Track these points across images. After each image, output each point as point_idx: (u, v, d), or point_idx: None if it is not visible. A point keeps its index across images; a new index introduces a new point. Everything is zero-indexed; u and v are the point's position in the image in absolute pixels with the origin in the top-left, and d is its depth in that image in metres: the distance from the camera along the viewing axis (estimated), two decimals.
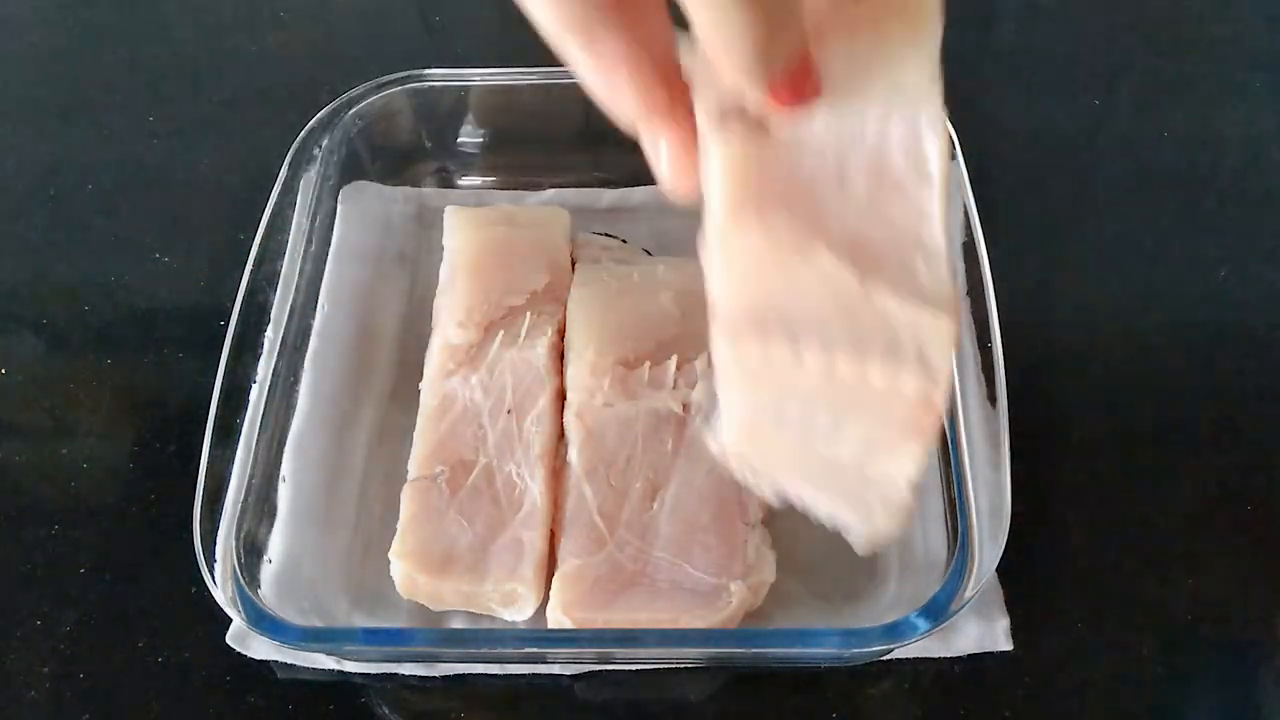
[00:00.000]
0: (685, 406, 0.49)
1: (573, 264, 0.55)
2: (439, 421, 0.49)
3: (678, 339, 0.51)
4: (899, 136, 0.32)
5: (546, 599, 0.45)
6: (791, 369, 0.33)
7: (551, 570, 0.46)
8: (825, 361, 0.33)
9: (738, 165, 0.32)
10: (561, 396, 0.50)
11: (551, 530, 0.47)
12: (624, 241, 0.57)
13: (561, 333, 0.53)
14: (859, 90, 0.31)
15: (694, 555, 0.45)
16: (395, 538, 0.46)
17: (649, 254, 0.56)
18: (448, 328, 0.52)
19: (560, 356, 0.52)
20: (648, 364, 0.50)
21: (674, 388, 0.49)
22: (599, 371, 0.49)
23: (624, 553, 0.45)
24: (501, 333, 0.52)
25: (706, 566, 0.45)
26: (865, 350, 0.33)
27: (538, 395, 0.50)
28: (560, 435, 0.49)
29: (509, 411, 0.49)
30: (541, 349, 0.51)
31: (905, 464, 0.35)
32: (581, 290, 0.53)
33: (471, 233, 0.55)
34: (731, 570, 0.45)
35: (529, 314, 0.53)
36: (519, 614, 0.46)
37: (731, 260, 0.33)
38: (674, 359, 0.50)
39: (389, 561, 0.46)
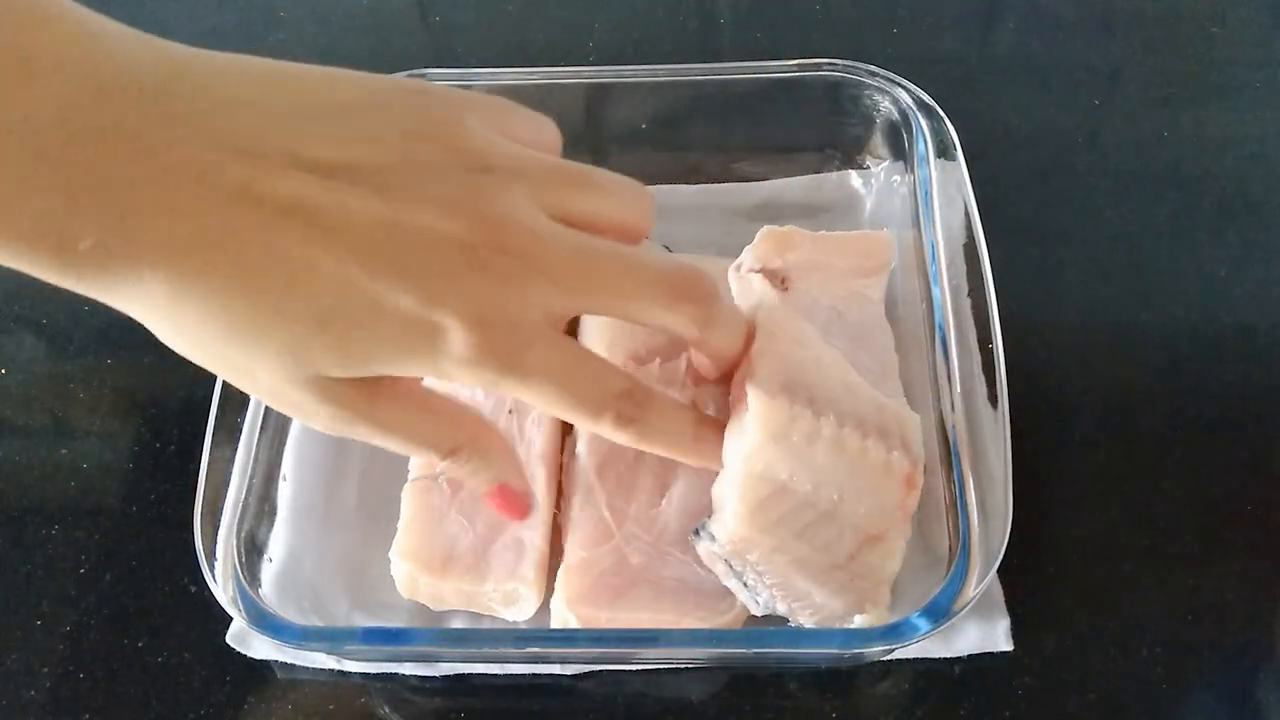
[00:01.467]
0: (695, 403, 0.49)
1: None
2: None
3: None
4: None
5: (548, 599, 0.45)
6: (810, 440, 0.40)
7: (553, 570, 0.46)
8: (838, 434, 0.41)
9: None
10: None
11: (553, 530, 0.47)
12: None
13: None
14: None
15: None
16: (395, 537, 0.46)
17: (669, 250, 0.56)
18: None
19: None
20: (658, 359, 0.50)
21: (684, 384, 0.49)
22: None
23: (631, 546, 0.45)
24: None
25: None
26: (867, 430, 0.41)
27: None
28: (565, 432, 0.49)
29: (510, 411, 0.49)
30: None
31: (889, 556, 0.42)
32: None
33: None
34: None
35: None
36: (520, 614, 0.46)
37: (774, 336, 0.42)
38: (685, 355, 0.50)
39: (389, 561, 0.46)
